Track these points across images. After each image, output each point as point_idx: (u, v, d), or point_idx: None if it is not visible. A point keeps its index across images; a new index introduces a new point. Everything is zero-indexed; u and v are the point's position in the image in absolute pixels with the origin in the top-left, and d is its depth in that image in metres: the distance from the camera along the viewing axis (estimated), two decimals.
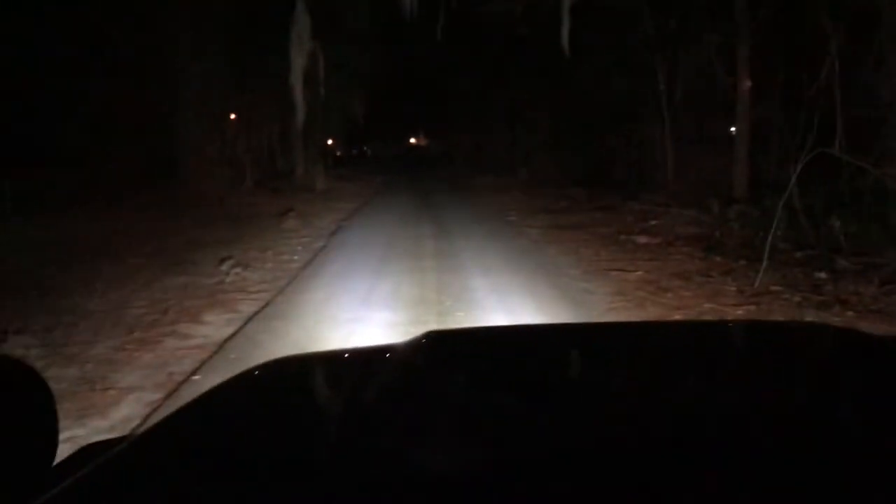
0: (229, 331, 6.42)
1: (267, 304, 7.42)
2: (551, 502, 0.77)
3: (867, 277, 7.49)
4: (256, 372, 1.29)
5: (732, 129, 15.22)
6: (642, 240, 11.15)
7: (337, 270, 9.18)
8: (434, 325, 6.48)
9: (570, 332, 1.90)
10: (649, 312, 6.77)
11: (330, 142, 37.60)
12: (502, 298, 7.41)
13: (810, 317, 6.37)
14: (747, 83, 13.61)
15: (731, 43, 13.47)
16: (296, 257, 10.39)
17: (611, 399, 1.17)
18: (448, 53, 29.62)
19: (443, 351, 1.44)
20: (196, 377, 5.10)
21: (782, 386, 1.20)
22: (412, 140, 75.26)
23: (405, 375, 1.28)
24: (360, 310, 6.98)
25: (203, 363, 5.47)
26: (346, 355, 1.54)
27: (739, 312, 6.70)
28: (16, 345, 5.93)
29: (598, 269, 9.03)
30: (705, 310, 6.83)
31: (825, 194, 10.43)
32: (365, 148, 60.95)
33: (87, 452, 1.03)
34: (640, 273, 8.66)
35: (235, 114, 22.30)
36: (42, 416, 0.89)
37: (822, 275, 7.92)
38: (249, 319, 6.81)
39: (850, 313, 6.46)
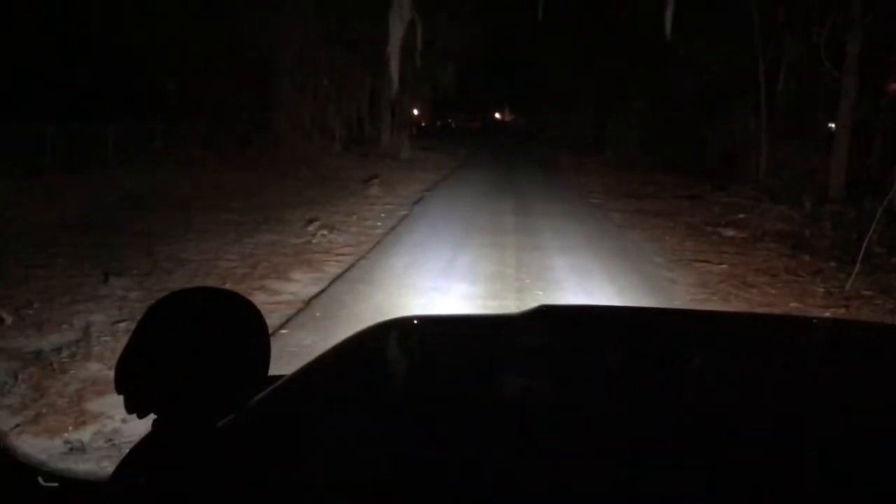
0: (315, 289, 6.64)
1: (351, 267, 7.62)
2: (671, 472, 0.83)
3: None
4: (383, 328, 1.38)
5: (832, 125, 14.66)
6: (729, 232, 10.91)
7: (418, 240, 9.32)
8: (513, 302, 6.56)
9: (677, 317, 1.93)
10: (733, 307, 6.66)
11: (416, 112, 37.81)
12: (582, 280, 7.40)
13: None
14: (854, 80, 13.05)
15: (840, 37, 12.92)
16: (379, 223, 10.58)
17: (714, 384, 1.20)
18: (544, 31, 29.32)
19: (556, 324, 1.50)
20: (284, 331, 5.32)
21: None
22: (497, 115, 74.93)
23: (524, 343, 1.35)
24: (440, 280, 7.09)
25: (290, 318, 5.69)
26: (462, 320, 1.62)
27: (827, 315, 6.53)
28: (116, 287, 6.27)
29: (681, 259, 8.91)
30: (791, 309, 6.68)
31: None
32: (449, 120, 60.98)
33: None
34: (725, 266, 8.50)
35: (328, 79, 22.68)
36: (257, 336, 1.03)
37: None
38: (334, 280, 7.02)
39: None
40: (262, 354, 1.03)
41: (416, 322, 1.50)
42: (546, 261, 8.31)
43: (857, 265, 7.56)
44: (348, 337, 1.28)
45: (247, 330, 1.04)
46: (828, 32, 13.14)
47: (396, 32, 17.51)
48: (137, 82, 18.15)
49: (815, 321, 3.20)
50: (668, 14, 12.28)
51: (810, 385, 1.23)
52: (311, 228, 9.41)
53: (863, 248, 7.68)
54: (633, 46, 22.29)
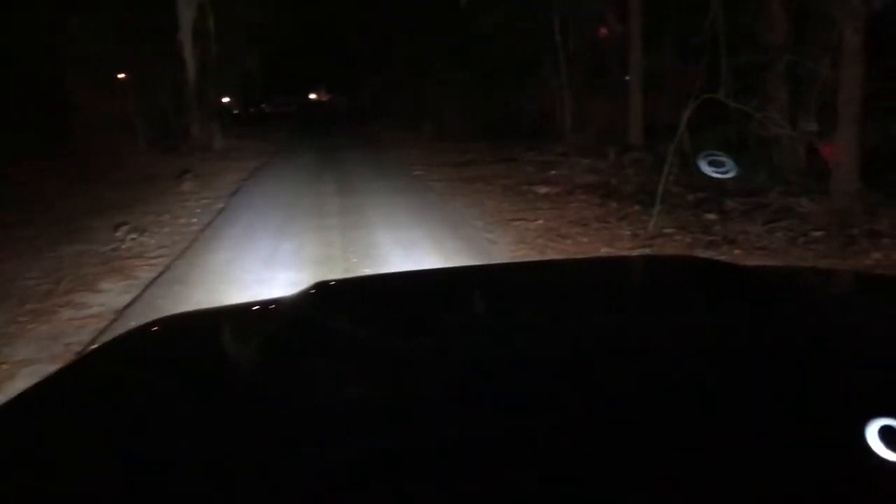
0: (128, 298, 6.26)
1: (166, 269, 7.24)
2: (450, 442, 0.81)
3: (752, 217, 7.92)
4: (144, 329, 1.29)
5: (627, 77, 15.60)
6: (543, 189, 11.37)
7: (238, 232, 9.02)
8: None
9: (463, 274, 1.95)
10: (549, 258, 6.96)
11: (227, 99, 36.41)
12: (408, 252, 7.47)
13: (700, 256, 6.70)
14: (639, 31, 13.93)
15: None
16: (194, 220, 10.13)
17: (500, 333, 1.20)
18: (347, 5, 29.05)
19: (333, 300, 1.44)
20: (95, 346, 4.97)
21: (642, 311, 1.31)
22: (313, 95, 73.60)
23: (295, 326, 1.27)
24: (264, 271, 6.91)
25: (101, 332, 5.33)
26: (235, 310, 1.54)
27: (642, 252, 6.98)
28: None
29: (501, 220, 9.19)
30: (602, 254, 7.08)
31: (714, 139, 10.86)
32: (263, 105, 59.10)
33: None
34: (540, 222, 8.87)
35: (125, 73, 21.27)
36: None
37: (712, 216, 8.31)
38: (149, 285, 6.64)
39: (737, 251, 6.84)
40: None
41: (175, 319, 1.41)
42: (372, 238, 8.31)
43: (657, 206, 8.12)
44: (95, 347, 1.18)
45: None
46: None
47: (186, 18, 16.70)
48: None
49: (585, 261, 3.35)
50: None
51: (583, 321, 1.27)
52: (119, 233, 8.84)
53: (660, 190, 8.25)
54: (437, 17, 22.52)
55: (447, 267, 5.15)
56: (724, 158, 6.83)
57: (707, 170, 6.58)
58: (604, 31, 14.23)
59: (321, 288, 1.45)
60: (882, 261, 5.96)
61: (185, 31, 16.98)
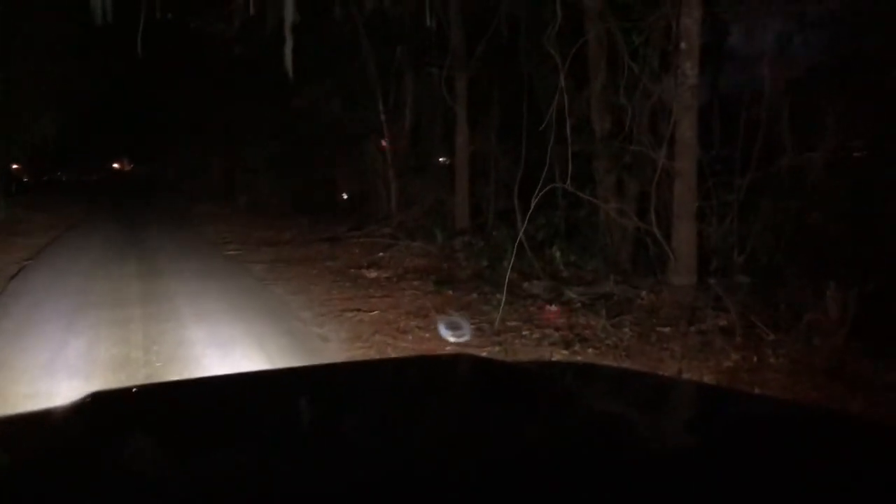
0: None
1: None
2: None
3: (596, 310, 7.60)
4: None
5: (442, 159, 15.56)
6: (372, 274, 10.72)
7: (13, 327, 7.50)
8: None
9: (259, 379, 1.91)
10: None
11: (15, 166, 33.24)
12: (226, 353, 6.44)
13: (557, 357, 6.21)
14: (465, 115, 13.84)
15: (450, 75, 13.63)
16: None
17: (296, 442, 1.20)
18: (157, 70, 27.54)
19: (110, 413, 1.37)
20: None
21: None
22: (115, 165, 69.64)
23: (65, 442, 1.20)
24: (42, 381, 5.60)
25: None
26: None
27: (484, 354, 6.38)
28: None
29: (331, 311, 8.36)
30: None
31: (545, 225, 10.73)
32: (59, 173, 54.71)
33: None
34: (376, 313, 8.14)
35: None
36: None
37: (553, 308, 7.96)
38: None
39: (590, 350, 6.42)
40: None
41: None
42: (181, 334, 7.18)
43: (503, 298, 7.63)
44: None
45: None
46: (437, 72, 13.78)
47: None
48: None
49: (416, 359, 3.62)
50: (288, 51, 11.71)
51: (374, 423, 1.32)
52: None
53: (506, 281, 7.79)
54: (255, 87, 21.66)
55: (239, 372, 4.56)
56: (460, 321, 6.77)
57: (445, 333, 6.40)
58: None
59: (97, 398, 1.38)
60: (741, 363, 5.73)
61: None
